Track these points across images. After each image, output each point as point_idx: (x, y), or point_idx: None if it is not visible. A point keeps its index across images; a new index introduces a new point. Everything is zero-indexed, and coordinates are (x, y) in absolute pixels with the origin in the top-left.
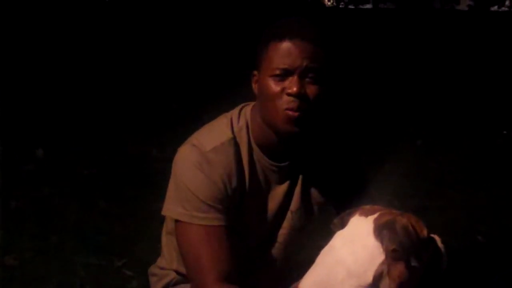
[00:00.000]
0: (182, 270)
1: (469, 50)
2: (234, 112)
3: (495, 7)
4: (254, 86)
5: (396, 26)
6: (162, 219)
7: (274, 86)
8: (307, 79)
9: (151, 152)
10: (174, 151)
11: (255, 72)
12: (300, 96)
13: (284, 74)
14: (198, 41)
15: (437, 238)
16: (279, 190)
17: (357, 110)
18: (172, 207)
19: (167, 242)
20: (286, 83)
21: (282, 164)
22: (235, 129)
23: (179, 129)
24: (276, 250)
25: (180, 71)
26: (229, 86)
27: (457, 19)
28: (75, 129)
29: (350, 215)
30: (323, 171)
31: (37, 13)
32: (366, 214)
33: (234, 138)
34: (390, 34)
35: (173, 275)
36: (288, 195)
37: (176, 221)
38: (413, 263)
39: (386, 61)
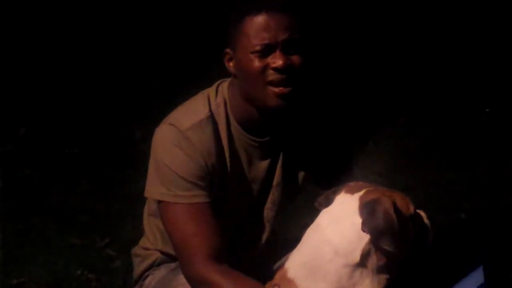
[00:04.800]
0: (167, 250)
1: (453, 28)
2: (211, 89)
3: None
4: (229, 65)
5: (378, 4)
6: (145, 199)
7: (257, 63)
8: (290, 51)
9: (134, 132)
10: None
11: (228, 50)
12: (286, 69)
13: (266, 50)
14: (180, 20)
15: (423, 214)
16: (262, 166)
17: (340, 88)
18: (154, 188)
19: (150, 223)
20: (269, 58)
21: (263, 140)
22: (213, 106)
23: (162, 109)
24: (261, 228)
25: (162, 51)
26: (212, 67)
27: None
28: (57, 109)
29: (336, 193)
30: (305, 146)
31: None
32: (352, 191)
33: (212, 115)
34: (372, 13)
35: (157, 255)
36: (271, 171)
37: (159, 202)
38: (385, 246)
39: (368, 38)
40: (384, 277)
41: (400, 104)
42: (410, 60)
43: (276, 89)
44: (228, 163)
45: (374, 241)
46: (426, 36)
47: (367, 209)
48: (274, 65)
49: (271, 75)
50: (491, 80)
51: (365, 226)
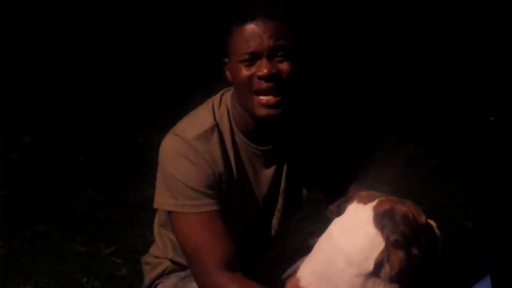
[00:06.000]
0: (178, 259)
1: (456, 36)
2: (216, 98)
3: None
4: (227, 74)
5: (381, 10)
6: (150, 206)
7: (244, 72)
8: (276, 59)
9: (138, 140)
10: (161, 139)
11: (226, 60)
12: (272, 77)
13: (253, 58)
14: (185, 27)
15: (433, 224)
16: (267, 174)
17: (343, 98)
18: (164, 200)
19: (161, 234)
20: (256, 66)
21: (266, 148)
22: (217, 115)
23: (166, 117)
24: (268, 236)
25: (167, 59)
26: (216, 73)
27: (443, 4)
28: (62, 116)
29: (347, 202)
30: (309, 154)
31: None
32: (365, 201)
33: (217, 124)
34: (374, 19)
35: (167, 263)
36: (276, 179)
37: (169, 212)
38: (414, 251)
39: (370, 46)
40: (395, 286)
41: (404, 113)
42: (414, 69)
43: (263, 99)
44: (234, 172)
45: (405, 248)
46: (430, 45)
47: (388, 219)
48: (259, 74)
49: (257, 84)
50: (495, 89)
51: (394, 235)
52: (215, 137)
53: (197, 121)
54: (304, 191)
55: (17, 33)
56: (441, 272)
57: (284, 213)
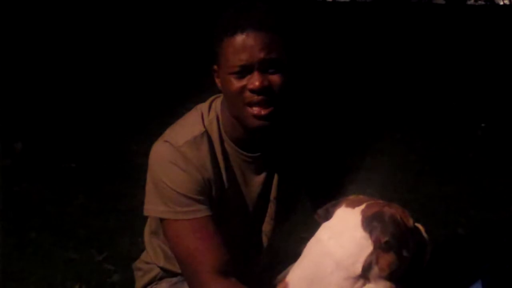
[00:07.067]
0: (169, 267)
1: (446, 44)
2: (205, 105)
3: (472, 1)
4: (217, 81)
5: (373, 20)
6: (142, 213)
7: (235, 84)
8: (268, 71)
9: (131, 147)
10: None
11: (215, 67)
12: (263, 90)
13: (244, 70)
14: (176, 36)
15: (421, 228)
16: (257, 181)
17: (335, 105)
18: (154, 207)
19: (152, 242)
20: (247, 79)
21: (255, 155)
22: (206, 122)
23: (158, 123)
24: (260, 242)
25: (159, 66)
26: (208, 81)
27: (434, 12)
28: (54, 123)
29: (336, 206)
30: (300, 160)
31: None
32: (353, 205)
33: (206, 131)
34: (367, 28)
35: (158, 269)
36: (267, 185)
37: (161, 219)
38: (405, 253)
39: (363, 55)
40: (385, 287)
41: (395, 120)
42: (405, 77)
43: (254, 111)
44: (225, 178)
45: (395, 250)
46: (420, 54)
47: (377, 221)
48: (250, 87)
49: (249, 97)
50: (486, 95)
51: (385, 236)
52: (204, 144)
53: (186, 128)
54: (296, 197)
55: (9, 40)
56: (433, 278)
57: (276, 219)
